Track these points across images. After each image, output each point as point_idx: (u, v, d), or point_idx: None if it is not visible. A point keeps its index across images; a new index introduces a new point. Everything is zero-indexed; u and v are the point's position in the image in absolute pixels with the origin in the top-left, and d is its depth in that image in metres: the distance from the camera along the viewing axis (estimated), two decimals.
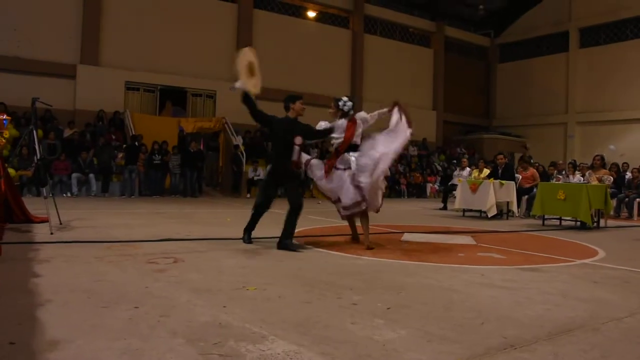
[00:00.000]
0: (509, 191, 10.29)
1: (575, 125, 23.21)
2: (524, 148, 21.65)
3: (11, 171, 10.01)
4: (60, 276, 3.72)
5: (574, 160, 13.70)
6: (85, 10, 15.95)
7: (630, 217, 11.76)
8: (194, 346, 2.33)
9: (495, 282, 3.98)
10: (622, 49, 21.77)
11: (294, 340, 2.44)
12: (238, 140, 16.11)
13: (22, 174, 12.07)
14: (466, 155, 18.24)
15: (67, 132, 14.53)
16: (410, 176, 19.36)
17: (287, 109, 5.75)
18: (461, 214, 11.11)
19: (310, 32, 20.70)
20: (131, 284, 3.55)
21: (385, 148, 5.51)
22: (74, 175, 13.11)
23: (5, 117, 6.64)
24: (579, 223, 8.90)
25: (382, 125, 5.93)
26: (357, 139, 5.74)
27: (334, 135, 5.78)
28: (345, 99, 5.95)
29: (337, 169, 5.68)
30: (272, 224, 5.88)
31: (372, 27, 22.75)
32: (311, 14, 21.07)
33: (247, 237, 5.74)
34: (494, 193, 10.00)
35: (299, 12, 20.78)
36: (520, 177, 11.47)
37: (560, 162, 12.65)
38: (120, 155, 13.95)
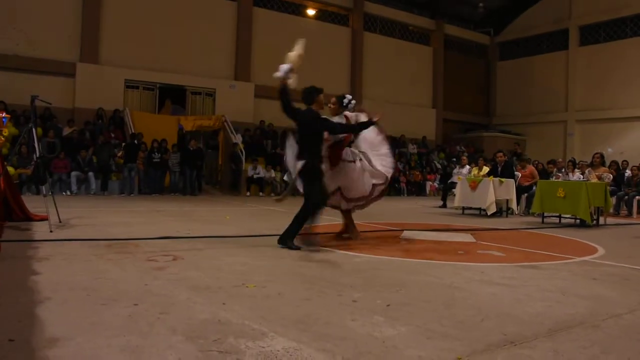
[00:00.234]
0: (508, 189, 10.29)
1: (574, 123, 23.19)
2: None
3: (10, 169, 10.00)
4: (59, 274, 3.71)
5: (574, 158, 13.70)
6: (84, 9, 15.92)
7: (629, 214, 11.76)
8: (193, 343, 2.32)
9: (495, 279, 3.98)
10: (621, 47, 21.75)
11: (293, 337, 2.44)
12: (237, 139, 16.10)
13: (22, 172, 12.07)
14: (466, 153, 18.23)
15: (67, 131, 14.53)
16: (409, 174, 19.36)
17: (310, 101, 5.59)
18: (461, 211, 11.11)
19: (309, 30, 20.63)
20: (130, 281, 3.54)
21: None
22: (73, 173, 13.10)
23: (4, 115, 6.64)
24: (578, 221, 8.90)
25: None
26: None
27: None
28: (349, 96, 6.02)
29: (345, 161, 5.73)
30: (266, 222, 5.88)
31: (371, 25, 22.72)
32: (311, 11, 21.04)
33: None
34: (494, 191, 10.00)
35: (299, 10, 20.75)
36: (520, 175, 11.47)
37: (560, 159, 12.64)
38: (120, 153, 13.94)
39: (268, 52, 19.20)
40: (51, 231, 5.79)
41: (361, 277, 3.94)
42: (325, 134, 5.52)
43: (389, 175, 5.94)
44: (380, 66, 22.16)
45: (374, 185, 5.83)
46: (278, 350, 2.26)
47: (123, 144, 14.38)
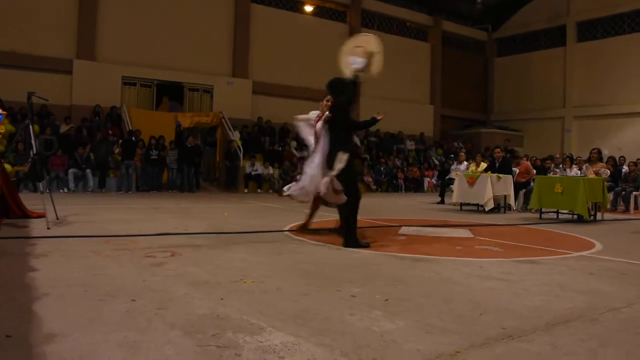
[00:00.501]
0: (506, 185, 10.30)
1: (572, 119, 23.21)
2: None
3: (7, 167, 9.98)
4: (57, 270, 3.71)
5: (571, 154, 13.71)
6: (81, 5, 15.86)
7: (627, 210, 11.78)
8: (191, 338, 2.32)
9: (494, 274, 3.98)
10: (619, 43, 21.76)
11: (292, 332, 2.44)
12: (235, 135, 16.08)
13: (19, 169, 12.03)
14: (464, 150, 18.24)
15: (64, 128, 14.49)
16: (407, 170, 19.36)
17: (338, 94, 5.67)
18: (459, 207, 11.11)
19: (307, 27, 20.64)
20: (128, 277, 3.54)
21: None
22: (71, 170, 13.07)
23: (0, 112, 6.62)
24: (576, 216, 8.92)
25: None
26: None
27: None
28: None
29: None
30: (263, 218, 5.87)
31: (369, 21, 22.68)
32: (308, 8, 20.98)
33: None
34: (492, 187, 10.00)
35: (296, 7, 20.70)
36: (518, 170, 11.48)
37: (557, 155, 12.66)
38: (117, 150, 13.91)
39: (266, 48, 19.21)
40: (48, 228, 5.77)
41: (360, 273, 3.94)
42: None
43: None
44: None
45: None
46: (276, 345, 2.26)
47: (120, 141, 14.35)
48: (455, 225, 7.60)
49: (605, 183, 9.38)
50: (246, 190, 15.25)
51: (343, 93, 5.57)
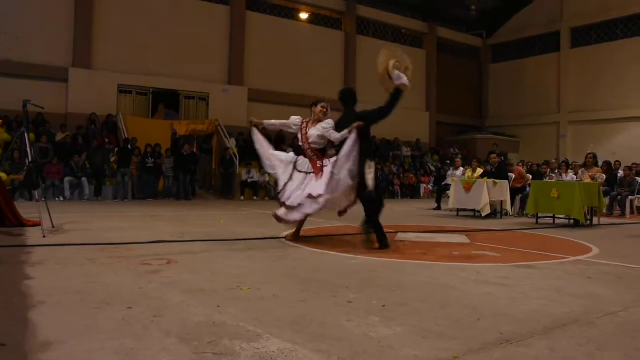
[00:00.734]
0: (502, 190, 10.32)
1: (567, 124, 23.32)
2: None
3: (3, 175, 9.96)
4: (52, 278, 3.69)
5: (567, 159, 13.76)
6: (77, 13, 15.89)
7: (622, 214, 11.81)
8: (188, 345, 2.31)
9: (491, 279, 3.98)
10: (612, 49, 21.91)
11: (288, 338, 2.43)
12: (231, 143, 16.08)
13: (14, 178, 11.99)
14: (460, 155, 18.28)
15: (60, 136, 14.46)
16: (404, 177, 19.38)
17: (352, 104, 6.00)
18: (455, 213, 11.12)
19: (302, 34, 20.71)
20: (124, 285, 3.52)
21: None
22: (67, 179, 13.04)
23: None
24: (572, 221, 8.93)
25: None
26: None
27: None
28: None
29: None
30: (260, 226, 5.86)
31: (364, 28, 22.79)
32: (304, 15, 21.08)
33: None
34: (488, 192, 10.01)
35: (292, 14, 20.78)
36: (514, 176, 11.51)
37: (553, 160, 12.71)
38: (113, 158, 13.89)
39: (261, 56, 19.26)
40: (44, 236, 5.74)
41: (356, 279, 3.93)
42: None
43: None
44: (374, 69, 22.13)
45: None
46: (273, 352, 2.25)
47: (116, 149, 14.33)
48: (451, 231, 7.61)
49: (601, 188, 9.40)
50: (242, 198, 15.22)
51: (356, 102, 5.99)
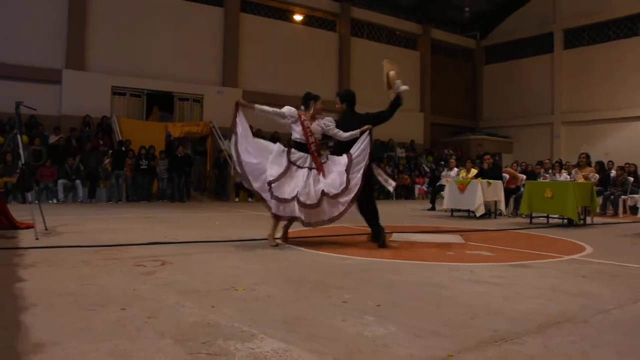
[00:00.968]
0: (496, 190, 10.35)
1: (560, 125, 23.43)
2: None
3: None
4: (45, 280, 3.67)
5: (560, 159, 13.82)
6: (70, 15, 15.83)
7: (615, 214, 11.88)
8: (182, 346, 2.30)
9: (485, 278, 3.99)
10: (605, 50, 22.04)
11: (283, 338, 2.42)
12: (226, 144, 16.04)
13: (7, 180, 11.90)
14: (454, 156, 18.32)
15: (53, 138, 14.40)
16: (398, 178, 19.39)
17: (354, 105, 6.03)
18: (449, 214, 11.14)
19: (297, 36, 20.72)
20: (118, 286, 3.50)
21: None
22: (60, 181, 12.98)
23: None
24: (566, 220, 8.97)
25: None
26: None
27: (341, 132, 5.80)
28: None
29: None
30: (254, 227, 5.84)
31: (358, 30, 22.82)
32: (298, 17, 21.09)
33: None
34: (482, 192, 10.04)
35: (286, 16, 20.79)
36: (508, 176, 11.54)
37: (547, 160, 12.76)
38: (107, 160, 13.84)
39: (256, 57, 19.26)
40: (37, 239, 5.72)
41: (351, 279, 3.93)
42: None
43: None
44: (368, 71, 22.21)
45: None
46: (268, 352, 2.24)
47: (110, 151, 14.28)
48: (446, 231, 7.62)
49: (595, 187, 9.45)
50: (237, 199, 15.21)
51: (355, 103, 6.00)
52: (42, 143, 13.78)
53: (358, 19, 22.62)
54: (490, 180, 10.32)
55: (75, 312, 2.84)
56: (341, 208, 5.55)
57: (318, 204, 5.45)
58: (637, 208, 11.03)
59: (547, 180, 9.81)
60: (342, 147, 5.76)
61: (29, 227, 6.38)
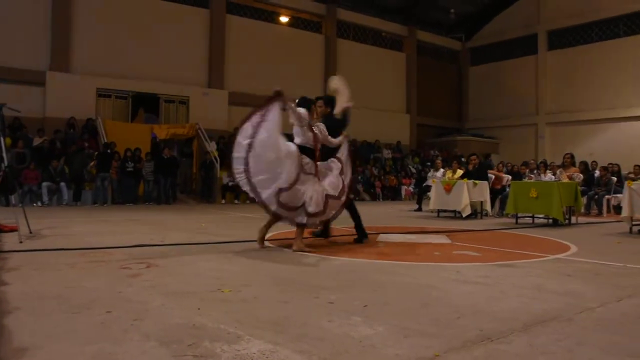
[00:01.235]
0: (482, 191, 10.41)
1: (545, 125, 23.67)
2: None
3: None
4: (29, 284, 3.62)
5: (545, 160, 13.95)
6: (54, 16, 15.69)
7: (599, 213, 12.01)
8: (167, 348, 2.28)
9: (471, 278, 4.01)
10: (588, 51, 22.31)
11: (269, 340, 2.41)
12: (212, 146, 16.00)
13: None
14: (440, 157, 18.42)
15: (37, 141, 14.23)
16: (385, 179, 19.47)
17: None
18: (436, 214, 11.19)
19: (283, 37, 20.70)
20: (103, 289, 3.47)
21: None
22: (45, 184, 12.83)
23: None
24: (551, 220, 9.05)
25: None
26: None
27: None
28: None
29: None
30: (241, 229, 5.82)
31: (344, 31, 22.87)
32: (284, 19, 21.08)
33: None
34: (468, 193, 10.10)
35: (272, 17, 20.77)
36: (493, 177, 11.62)
37: (532, 161, 12.88)
38: (93, 163, 13.71)
39: (242, 59, 19.21)
40: (21, 242, 5.65)
41: (338, 280, 3.93)
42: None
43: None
44: (354, 72, 22.23)
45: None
46: (254, 353, 2.23)
47: (96, 153, 14.16)
48: (433, 232, 7.65)
49: (579, 187, 9.55)
50: (223, 201, 15.15)
51: (335, 108, 6.02)
52: (26, 145, 13.61)
53: (344, 21, 22.66)
54: (477, 181, 10.39)
55: (60, 315, 2.81)
56: (338, 209, 5.66)
57: (324, 210, 5.41)
58: (621, 207, 11.16)
59: (532, 181, 9.90)
60: (328, 152, 5.72)
61: (13, 230, 6.30)
